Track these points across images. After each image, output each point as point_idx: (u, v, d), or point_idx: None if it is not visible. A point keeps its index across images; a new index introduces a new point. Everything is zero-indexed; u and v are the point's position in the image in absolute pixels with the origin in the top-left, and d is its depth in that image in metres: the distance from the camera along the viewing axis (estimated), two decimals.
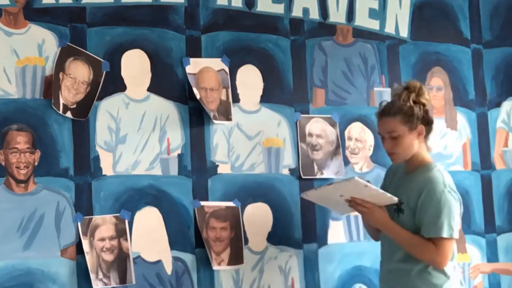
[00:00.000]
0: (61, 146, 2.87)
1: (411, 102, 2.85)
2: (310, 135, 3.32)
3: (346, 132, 3.41)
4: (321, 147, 3.33)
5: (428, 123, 2.89)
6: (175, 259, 3.01)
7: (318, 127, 3.34)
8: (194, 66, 3.11)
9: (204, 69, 3.13)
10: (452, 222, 2.77)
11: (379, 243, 3.03)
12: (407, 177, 2.91)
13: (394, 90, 2.95)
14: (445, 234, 2.75)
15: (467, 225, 3.63)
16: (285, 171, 3.26)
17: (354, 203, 2.84)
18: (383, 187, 2.98)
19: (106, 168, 2.93)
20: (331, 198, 2.88)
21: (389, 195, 2.82)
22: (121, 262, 2.89)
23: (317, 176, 3.31)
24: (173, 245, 3.00)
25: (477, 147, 3.72)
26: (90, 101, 2.91)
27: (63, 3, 2.93)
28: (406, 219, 2.83)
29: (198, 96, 3.07)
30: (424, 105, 2.87)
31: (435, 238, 2.76)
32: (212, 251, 3.04)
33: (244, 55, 3.23)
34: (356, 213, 3.01)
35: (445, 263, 2.80)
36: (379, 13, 3.55)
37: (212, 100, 3.12)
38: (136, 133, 3.00)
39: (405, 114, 2.85)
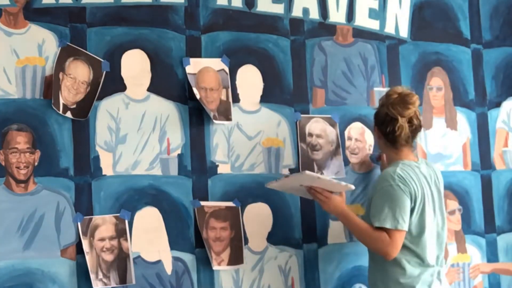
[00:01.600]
0: (61, 146, 2.87)
1: (379, 105, 3.06)
2: (310, 135, 3.32)
3: (346, 132, 3.42)
4: (321, 147, 3.33)
5: (382, 128, 3.03)
6: (175, 259, 3.01)
7: (318, 127, 3.34)
8: (194, 66, 3.11)
9: (204, 69, 3.13)
10: (396, 214, 2.86)
11: None
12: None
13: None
14: (388, 225, 2.86)
15: (467, 225, 3.63)
16: (285, 171, 3.26)
17: (313, 191, 3.00)
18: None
19: (106, 168, 2.93)
20: (293, 187, 3.05)
21: (344, 183, 2.99)
22: (121, 262, 2.89)
23: None
24: (173, 245, 3.01)
25: (477, 147, 3.72)
26: (90, 101, 2.91)
27: (63, 3, 2.93)
28: (366, 213, 3.01)
29: (198, 96, 3.07)
30: (386, 112, 3.00)
31: (383, 229, 2.87)
32: (212, 251, 3.04)
33: (244, 55, 3.23)
34: (355, 212, 3.18)
35: (391, 254, 2.88)
36: (379, 13, 3.55)
37: (212, 100, 3.12)
38: (136, 133, 3.00)
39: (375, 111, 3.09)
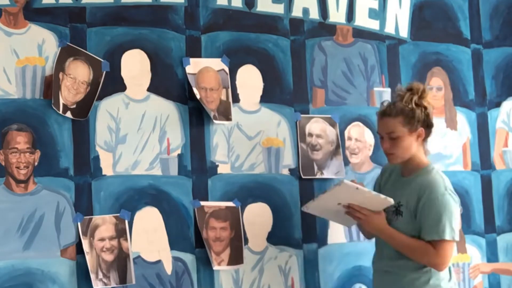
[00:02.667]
0: (61, 146, 2.87)
1: (413, 104, 2.89)
2: (310, 135, 3.32)
3: (346, 132, 3.41)
4: (321, 147, 3.33)
5: (428, 126, 2.93)
6: (175, 259, 3.01)
7: (318, 127, 3.34)
8: (194, 66, 3.11)
9: (204, 69, 3.13)
10: (453, 224, 2.79)
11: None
12: (404, 180, 2.93)
13: (397, 91, 2.99)
14: (447, 237, 2.78)
15: (467, 225, 3.63)
16: (285, 171, 3.26)
17: (352, 210, 2.88)
18: (377, 185, 3.04)
19: (106, 168, 2.93)
20: (331, 208, 2.92)
21: (383, 196, 2.85)
22: (121, 262, 2.89)
23: (317, 176, 3.31)
24: (173, 245, 3.01)
25: (477, 147, 3.72)
26: (90, 101, 2.91)
27: (63, 3, 2.93)
28: (405, 221, 2.85)
29: (198, 96, 3.07)
30: (425, 108, 2.90)
31: (437, 240, 2.78)
32: (212, 251, 3.04)
33: (244, 55, 3.23)
34: None
35: (446, 265, 2.82)
36: (379, 13, 3.55)
37: (212, 100, 3.12)
38: (136, 133, 3.00)
39: (406, 115, 2.88)
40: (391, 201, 2.85)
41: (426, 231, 2.81)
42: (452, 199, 2.83)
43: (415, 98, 2.89)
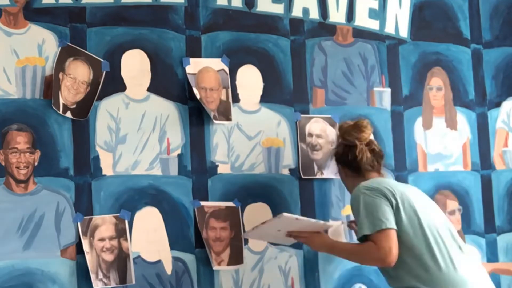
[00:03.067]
0: (61, 146, 2.87)
1: (336, 146, 3.17)
2: (310, 135, 3.32)
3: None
4: (321, 147, 3.33)
5: (344, 160, 3.03)
6: (175, 259, 3.01)
7: (318, 127, 3.34)
8: (194, 66, 3.11)
9: (204, 69, 3.13)
10: (373, 219, 2.74)
11: None
12: None
13: None
14: (367, 231, 2.74)
15: (467, 225, 3.63)
16: (285, 171, 3.26)
17: (293, 235, 3.02)
18: None
19: (106, 168, 2.93)
20: (271, 233, 3.04)
21: (322, 222, 3.05)
22: (121, 262, 2.89)
23: (317, 176, 3.31)
24: (173, 245, 3.01)
25: (477, 147, 3.72)
26: (90, 101, 2.91)
27: (63, 3, 2.93)
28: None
29: (198, 96, 3.07)
30: (344, 144, 3.04)
31: (367, 236, 2.75)
32: (212, 251, 3.04)
33: (244, 55, 3.23)
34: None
35: (389, 257, 2.70)
36: (379, 13, 3.55)
37: (212, 100, 3.12)
38: (136, 133, 3.00)
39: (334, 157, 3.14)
40: (329, 225, 3.09)
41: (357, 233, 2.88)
42: (368, 196, 2.78)
43: (337, 137, 3.15)
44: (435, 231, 2.80)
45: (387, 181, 2.95)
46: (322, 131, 3.34)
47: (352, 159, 2.98)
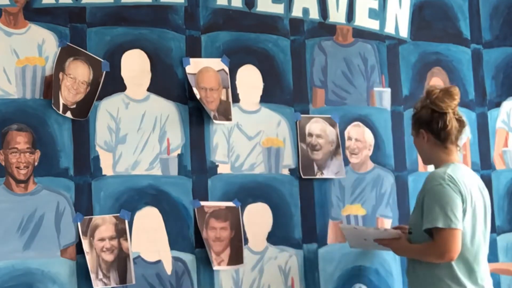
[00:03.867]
0: (61, 146, 2.87)
1: (419, 107, 2.92)
2: (310, 135, 3.32)
3: (346, 132, 3.41)
4: (321, 147, 3.33)
5: (432, 127, 2.86)
6: (175, 259, 3.01)
7: (318, 127, 3.34)
8: (194, 66, 3.11)
9: (204, 69, 3.13)
10: (448, 212, 2.72)
11: None
12: None
13: None
14: (440, 224, 2.71)
15: None
16: (285, 171, 3.26)
17: (380, 243, 3.05)
18: None
19: (106, 168, 2.93)
20: (360, 239, 3.17)
21: (393, 231, 3.05)
22: (121, 262, 2.89)
23: (317, 176, 3.31)
24: (173, 245, 3.01)
25: (477, 147, 3.72)
26: (90, 101, 2.92)
27: (63, 3, 2.93)
28: (416, 219, 2.84)
29: (198, 96, 3.07)
30: (432, 109, 2.86)
31: (434, 230, 2.73)
32: (212, 251, 3.04)
33: (244, 55, 3.23)
34: (355, 212, 3.36)
35: (450, 254, 2.72)
36: (379, 13, 3.55)
37: (212, 100, 3.12)
38: (136, 133, 3.00)
39: (413, 119, 2.96)
40: (392, 232, 3.03)
41: (423, 222, 2.78)
42: (447, 187, 2.74)
43: (423, 100, 2.90)
44: (478, 249, 2.82)
45: (467, 176, 2.84)
46: (322, 131, 3.34)
47: (441, 127, 2.84)
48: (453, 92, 2.88)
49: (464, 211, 2.76)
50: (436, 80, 3.66)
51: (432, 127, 2.87)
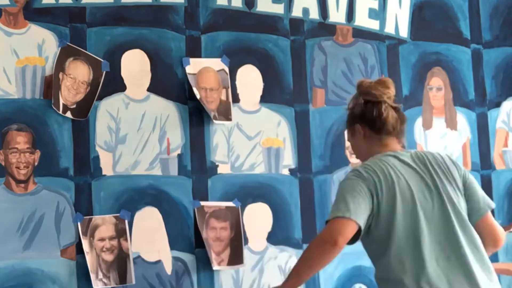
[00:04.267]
0: (61, 146, 2.87)
1: (351, 105, 2.58)
2: None
3: (346, 132, 3.41)
4: None
5: (365, 117, 2.50)
6: (175, 259, 3.01)
7: None
8: (194, 66, 3.11)
9: (204, 69, 3.13)
10: (340, 204, 2.32)
11: None
12: None
13: None
14: (329, 217, 2.34)
15: None
16: (285, 171, 3.26)
17: None
18: None
19: (106, 168, 2.93)
20: None
21: None
22: (121, 262, 2.89)
23: None
24: (173, 245, 3.00)
25: (477, 147, 3.72)
26: (90, 101, 2.91)
27: (63, 3, 2.93)
28: None
29: (198, 96, 3.07)
30: (365, 101, 2.52)
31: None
32: (212, 251, 3.04)
33: (244, 55, 3.23)
34: None
35: (335, 237, 2.29)
36: (379, 13, 3.55)
37: (212, 100, 3.12)
38: (136, 133, 3.00)
39: (347, 119, 2.62)
40: None
41: None
42: (348, 178, 2.38)
43: (355, 96, 2.57)
44: (420, 240, 2.35)
45: (391, 162, 2.43)
46: None
47: (377, 116, 2.48)
48: (387, 81, 2.55)
49: (378, 200, 2.35)
50: (436, 80, 3.66)
51: (366, 117, 2.50)
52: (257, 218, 3.18)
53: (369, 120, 2.51)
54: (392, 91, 2.55)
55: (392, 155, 2.46)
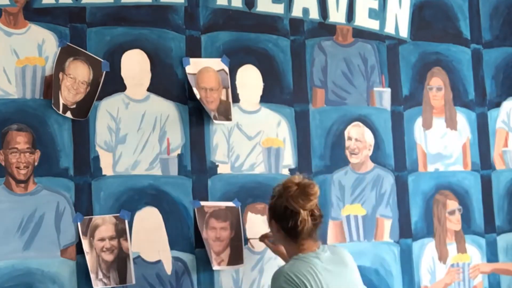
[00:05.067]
0: (61, 146, 2.87)
1: (276, 195, 2.76)
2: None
3: (346, 132, 3.42)
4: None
5: (282, 223, 2.70)
6: (175, 259, 3.01)
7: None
8: (194, 66, 3.11)
9: (204, 69, 3.13)
10: None
11: (379, 243, 3.04)
12: None
13: None
14: None
15: (467, 225, 3.64)
16: (285, 171, 3.26)
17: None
18: None
19: (106, 168, 2.93)
20: None
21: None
22: (121, 262, 2.89)
23: None
24: (173, 245, 3.01)
25: (477, 147, 3.72)
26: (90, 101, 2.92)
27: (63, 3, 2.93)
28: None
29: (198, 96, 3.07)
30: (285, 206, 2.68)
31: None
32: (212, 251, 3.04)
33: (244, 55, 3.23)
34: (355, 212, 3.30)
35: None
36: (379, 13, 3.55)
37: (212, 100, 3.12)
38: (136, 133, 3.00)
39: (268, 205, 2.81)
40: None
41: None
42: (280, 286, 2.60)
43: (281, 190, 2.75)
44: None
45: (313, 262, 2.65)
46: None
47: (292, 226, 2.67)
48: (310, 192, 2.69)
49: None
50: (436, 80, 3.66)
51: (282, 224, 2.70)
52: (257, 218, 3.18)
53: (285, 227, 2.70)
54: (313, 201, 2.70)
55: (314, 256, 2.68)
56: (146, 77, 3.04)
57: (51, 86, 2.86)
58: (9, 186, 2.78)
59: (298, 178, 2.76)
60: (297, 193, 2.69)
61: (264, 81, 3.26)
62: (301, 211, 2.67)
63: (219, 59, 3.17)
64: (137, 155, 3.00)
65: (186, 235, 3.04)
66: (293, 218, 2.67)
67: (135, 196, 2.97)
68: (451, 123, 3.68)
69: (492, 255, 3.69)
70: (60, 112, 2.86)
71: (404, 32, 3.61)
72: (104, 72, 2.95)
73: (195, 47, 3.14)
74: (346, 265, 2.76)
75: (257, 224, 3.18)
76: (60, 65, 2.88)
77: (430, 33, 3.67)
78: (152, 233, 2.98)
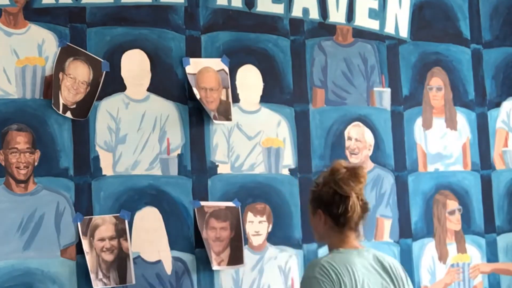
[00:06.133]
0: (61, 146, 2.87)
1: (321, 184, 2.56)
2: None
3: (346, 132, 3.41)
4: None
5: (330, 210, 2.50)
6: (175, 259, 3.01)
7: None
8: (194, 66, 3.11)
9: (204, 69, 3.13)
10: None
11: (379, 243, 3.03)
12: None
13: None
14: None
15: (467, 225, 3.63)
16: (285, 171, 3.26)
17: None
18: None
19: (106, 168, 2.93)
20: None
21: None
22: (121, 262, 2.89)
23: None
24: (173, 245, 3.01)
25: (477, 147, 3.72)
26: (90, 101, 2.92)
27: (63, 3, 2.93)
28: None
29: (198, 96, 3.07)
30: (334, 190, 2.50)
31: None
32: (212, 251, 3.04)
33: (244, 55, 3.23)
34: None
35: None
36: (379, 13, 3.55)
37: (212, 100, 3.12)
38: (136, 133, 3.00)
39: (312, 195, 2.59)
40: None
41: None
42: (314, 280, 2.39)
43: (326, 176, 2.55)
44: None
45: (354, 262, 2.47)
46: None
47: (342, 212, 2.49)
48: (360, 173, 2.53)
49: None
50: (436, 80, 3.66)
51: (331, 210, 2.51)
52: (257, 218, 3.18)
53: (334, 214, 2.51)
54: (363, 184, 2.54)
55: (355, 253, 2.50)
56: (146, 77, 3.04)
57: (51, 86, 2.86)
58: (9, 186, 2.78)
59: (344, 162, 2.60)
60: (348, 175, 2.51)
61: (264, 81, 3.26)
62: (353, 194, 2.49)
63: (219, 59, 3.17)
64: (137, 155, 3.00)
65: (186, 235, 3.04)
66: (343, 203, 2.49)
67: (135, 196, 2.97)
68: (451, 123, 3.68)
69: (492, 255, 3.69)
70: (60, 112, 2.86)
71: (404, 32, 3.61)
72: (104, 72, 2.95)
73: (195, 47, 3.14)
74: (389, 275, 2.53)
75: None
76: (60, 65, 2.88)
77: (430, 33, 3.67)
78: (152, 233, 2.98)
